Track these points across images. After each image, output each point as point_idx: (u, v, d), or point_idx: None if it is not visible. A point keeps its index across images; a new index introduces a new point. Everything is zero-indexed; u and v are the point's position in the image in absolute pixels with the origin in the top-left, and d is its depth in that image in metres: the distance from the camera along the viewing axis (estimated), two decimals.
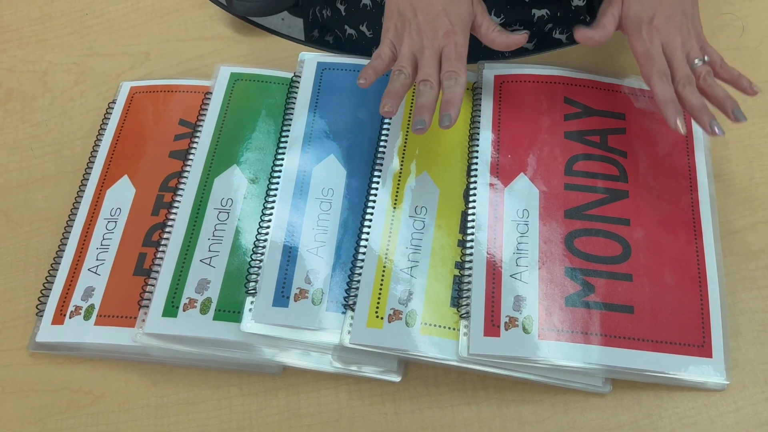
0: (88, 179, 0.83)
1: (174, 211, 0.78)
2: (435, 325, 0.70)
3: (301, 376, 0.73)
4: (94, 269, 0.77)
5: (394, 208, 0.75)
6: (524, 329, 0.69)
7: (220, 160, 0.80)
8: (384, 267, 0.72)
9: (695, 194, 0.76)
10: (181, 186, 0.79)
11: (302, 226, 0.75)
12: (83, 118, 0.91)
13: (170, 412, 0.73)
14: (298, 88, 0.84)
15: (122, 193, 0.81)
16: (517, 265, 0.72)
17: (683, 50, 0.74)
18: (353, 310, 0.70)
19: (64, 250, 0.79)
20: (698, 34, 0.76)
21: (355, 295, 0.71)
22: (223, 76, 0.86)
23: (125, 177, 0.82)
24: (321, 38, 1.05)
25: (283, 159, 0.79)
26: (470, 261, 0.72)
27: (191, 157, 0.81)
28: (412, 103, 0.82)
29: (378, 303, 0.70)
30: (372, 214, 0.75)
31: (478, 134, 0.79)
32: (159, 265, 0.74)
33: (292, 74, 0.85)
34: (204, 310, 0.72)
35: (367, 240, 0.73)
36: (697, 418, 0.69)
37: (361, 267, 0.72)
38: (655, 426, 0.69)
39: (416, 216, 0.75)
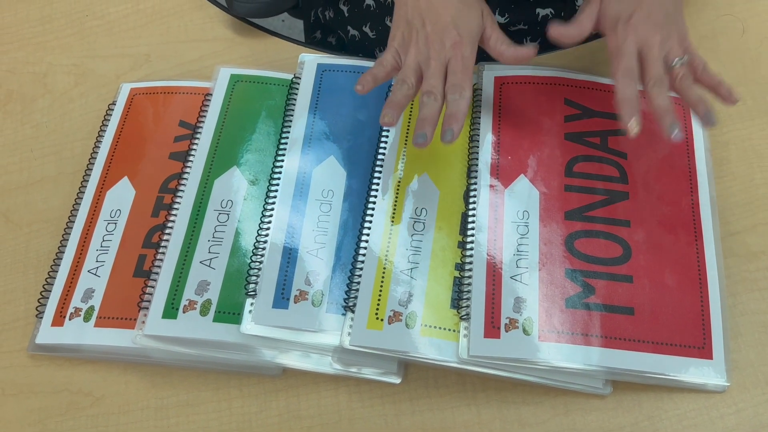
0: (88, 181, 0.83)
1: (174, 212, 0.77)
2: (435, 327, 0.70)
3: (301, 378, 0.73)
4: (93, 271, 0.77)
5: (394, 209, 0.75)
6: (524, 331, 0.69)
7: (220, 161, 0.80)
8: (384, 268, 0.72)
9: (695, 195, 0.76)
10: (181, 187, 0.79)
11: (302, 227, 0.75)
12: (83, 120, 0.91)
13: (170, 414, 0.73)
14: (298, 89, 0.84)
15: (122, 195, 0.81)
16: (517, 267, 0.72)
17: (661, 49, 0.72)
18: (353, 311, 0.70)
19: (63, 252, 0.79)
20: (681, 35, 0.74)
21: (355, 297, 0.71)
22: (223, 78, 0.86)
23: (125, 178, 0.82)
24: (323, 40, 1.05)
25: (283, 160, 0.79)
26: (470, 262, 0.72)
27: (191, 158, 0.81)
28: (411, 107, 0.82)
29: (378, 305, 0.70)
30: (372, 215, 0.75)
31: (479, 136, 0.79)
32: (159, 266, 0.74)
33: (292, 76, 0.85)
34: (204, 311, 0.72)
35: (367, 241, 0.73)
36: (698, 420, 0.69)
37: (361, 268, 0.72)
38: (655, 428, 0.69)
39: (416, 217, 0.75)
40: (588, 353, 0.68)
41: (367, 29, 0.92)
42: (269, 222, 0.75)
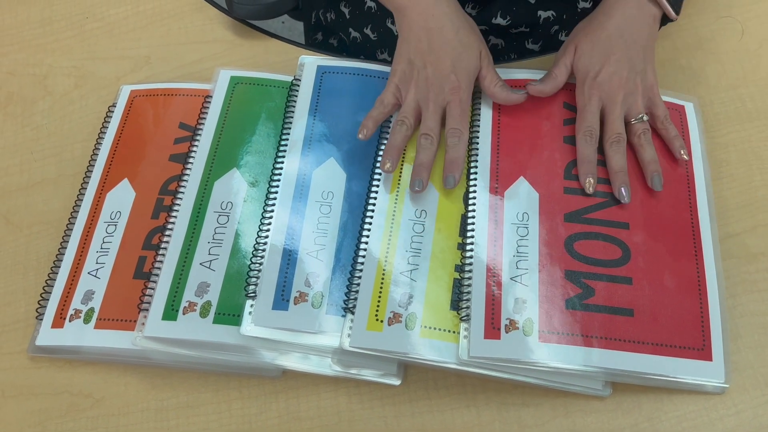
0: (88, 182, 0.83)
1: (174, 214, 0.78)
2: (435, 328, 0.70)
3: (300, 380, 0.73)
4: (94, 272, 0.77)
5: (394, 211, 0.75)
6: (524, 332, 0.69)
7: (220, 163, 0.80)
8: (384, 270, 0.72)
9: (693, 198, 0.76)
10: (181, 189, 0.79)
11: (302, 229, 0.75)
12: (83, 122, 0.91)
13: (170, 416, 0.73)
14: (298, 91, 0.84)
15: (122, 197, 0.81)
16: (517, 268, 0.72)
17: (623, 106, 0.76)
18: (353, 313, 0.70)
19: (64, 254, 0.79)
20: (647, 87, 0.77)
21: (355, 299, 0.71)
22: (223, 80, 0.86)
23: (125, 180, 0.82)
24: (324, 41, 1.06)
25: (283, 162, 0.79)
26: (470, 264, 0.72)
27: (191, 160, 0.81)
28: None
29: (378, 306, 0.70)
30: (372, 217, 0.75)
31: (478, 138, 0.79)
32: (159, 268, 0.74)
33: (292, 77, 0.85)
34: (204, 313, 0.72)
35: (366, 243, 0.73)
36: (697, 421, 0.69)
37: (361, 270, 0.72)
38: (655, 429, 0.69)
39: (416, 219, 0.75)
40: (588, 354, 0.68)
41: (368, 31, 0.92)
42: (269, 224, 0.75)
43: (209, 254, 0.75)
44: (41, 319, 0.76)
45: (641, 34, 0.77)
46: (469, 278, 0.71)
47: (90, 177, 0.83)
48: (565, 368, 0.68)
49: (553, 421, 0.70)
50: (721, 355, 0.69)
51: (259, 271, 0.73)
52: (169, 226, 0.77)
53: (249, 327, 0.70)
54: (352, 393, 0.72)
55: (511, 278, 0.71)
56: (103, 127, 0.87)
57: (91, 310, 0.74)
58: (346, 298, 0.71)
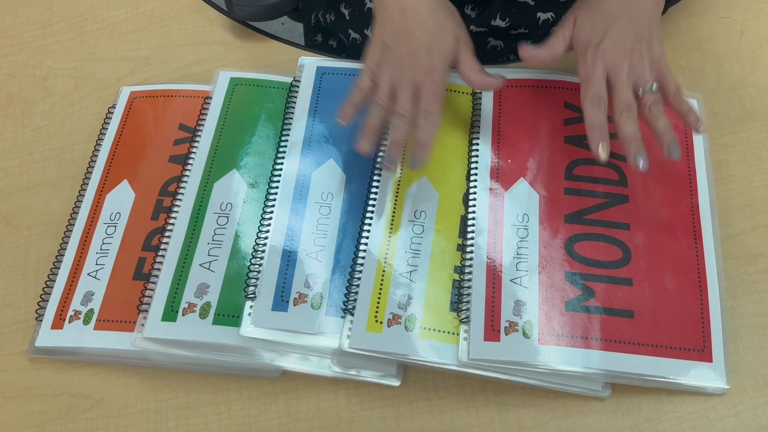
0: (87, 184, 0.83)
1: (173, 215, 0.78)
2: (434, 330, 0.70)
3: (300, 381, 0.73)
4: (93, 274, 0.77)
5: (394, 212, 0.75)
6: (524, 334, 0.69)
7: (219, 164, 0.80)
8: (383, 271, 0.72)
9: (695, 198, 0.76)
10: (181, 190, 0.79)
11: (302, 230, 0.75)
12: (83, 123, 0.91)
13: (169, 417, 0.73)
14: (297, 92, 0.84)
15: (122, 198, 0.81)
16: (517, 270, 0.72)
17: (630, 76, 0.72)
18: (352, 314, 0.70)
19: (63, 255, 0.79)
20: (654, 58, 0.73)
21: (355, 300, 0.71)
22: (222, 81, 0.86)
23: (125, 182, 0.82)
24: (324, 42, 1.05)
25: (282, 163, 0.79)
26: (470, 265, 0.72)
27: (191, 161, 0.81)
28: None
29: (377, 307, 0.70)
30: (371, 218, 0.75)
31: (478, 139, 0.79)
32: (158, 269, 0.74)
33: (292, 79, 0.86)
34: (203, 314, 0.72)
35: (366, 244, 0.73)
36: (697, 422, 0.69)
37: (361, 271, 0.72)
38: (654, 430, 0.69)
39: (416, 220, 0.75)
40: (588, 356, 0.68)
41: (368, 32, 0.92)
42: (269, 225, 0.75)
43: (209, 255, 0.75)
44: (41, 320, 0.76)
45: (645, 4, 0.74)
46: (469, 280, 0.71)
47: (90, 178, 0.83)
48: (565, 370, 0.68)
49: (553, 422, 0.70)
50: (722, 357, 0.69)
51: (259, 272, 0.73)
52: (169, 227, 0.77)
53: (248, 328, 0.70)
54: (351, 394, 0.72)
55: (511, 280, 0.71)
56: (103, 128, 0.87)
57: (91, 311, 0.74)
58: (345, 299, 0.71)
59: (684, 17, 0.90)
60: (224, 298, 0.72)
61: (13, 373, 0.76)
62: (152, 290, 0.73)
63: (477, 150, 0.78)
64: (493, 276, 0.71)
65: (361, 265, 0.72)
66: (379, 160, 0.78)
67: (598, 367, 0.68)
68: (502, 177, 0.76)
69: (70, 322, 0.74)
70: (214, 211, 0.77)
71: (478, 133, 0.79)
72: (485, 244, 0.73)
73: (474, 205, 0.75)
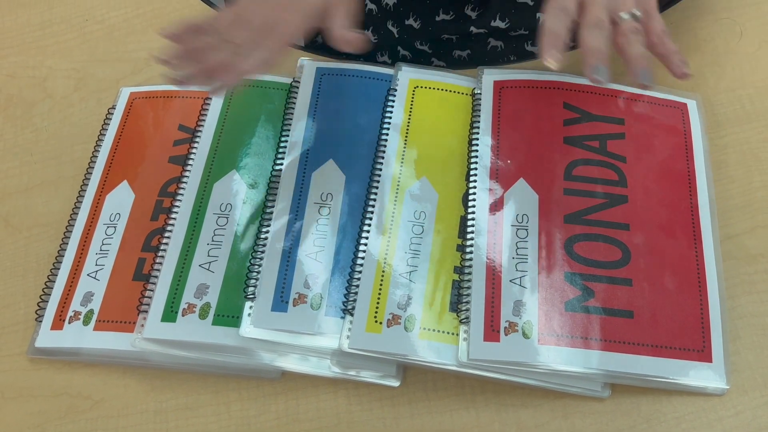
0: (87, 184, 0.83)
1: (173, 216, 0.78)
2: (434, 330, 0.70)
3: (299, 381, 0.73)
4: (93, 274, 0.77)
5: (393, 213, 0.75)
6: (524, 334, 0.69)
7: (219, 165, 0.80)
8: (383, 272, 0.72)
9: (694, 199, 0.76)
10: (181, 191, 0.79)
11: (301, 230, 0.75)
12: (83, 124, 0.91)
13: (169, 417, 0.73)
14: (297, 93, 0.84)
15: (122, 199, 0.81)
16: (516, 270, 0.72)
17: None
18: (352, 314, 0.70)
19: (63, 256, 0.79)
20: None
21: (354, 300, 0.71)
22: None
23: (125, 182, 0.82)
24: (324, 43, 1.05)
25: (282, 164, 0.79)
26: (470, 266, 0.72)
27: (190, 162, 0.81)
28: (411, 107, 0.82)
29: (377, 308, 0.70)
30: (371, 218, 0.75)
31: (478, 139, 0.79)
32: (158, 270, 0.74)
33: (292, 80, 0.86)
34: (203, 315, 0.72)
35: (366, 245, 0.73)
36: (696, 423, 0.69)
37: (360, 272, 0.72)
38: (654, 430, 0.69)
39: (415, 221, 0.75)
40: (587, 356, 0.68)
41: (369, 33, 0.92)
42: (268, 225, 0.75)
43: (208, 256, 0.75)
44: (40, 321, 0.76)
45: None
46: (469, 280, 0.71)
47: (89, 179, 0.83)
48: (565, 370, 0.68)
49: (552, 422, 0.70)
50: (721, 357, 0.69)
51: (258, 272, 0.73)
52: (169, 228, 0.77)
53: (248, 328, 0.70)
54: (351, 394, 0.72)
55: (510, 280, 0.71)
56: (103, 129, 0.87)
57: (91, 311, 0.74)
58: (345, 299, 0.71)
59: (683, 18, 0.90)
60: (224, 299, 0.72)
61: (12, 374, 0.76)
62: (152, 291, 0.73)
63: (476, 150, 0.78)
64: (493, 276, 0.71)
65: (361, 265, 0.72)
66: (378, 162, 0.78)
67: (597, 368, 0.67)
68: (502, 177, 0.77)
69: (69, 323, 0.75)
70: (214, 212, 0.77)
71: (478, 133, 0.79)
72: (485, 245, 0.73)
73: (473, 206, 0.75)
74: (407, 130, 0.80)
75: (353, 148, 0.80)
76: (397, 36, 0.89)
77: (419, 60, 0.85)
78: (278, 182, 0.78)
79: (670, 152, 0.79)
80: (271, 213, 0.76)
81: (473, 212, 0.75)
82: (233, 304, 0.72)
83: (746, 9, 0.90)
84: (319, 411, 0.72)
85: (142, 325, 0.72)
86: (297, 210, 0.76)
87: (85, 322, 0.74)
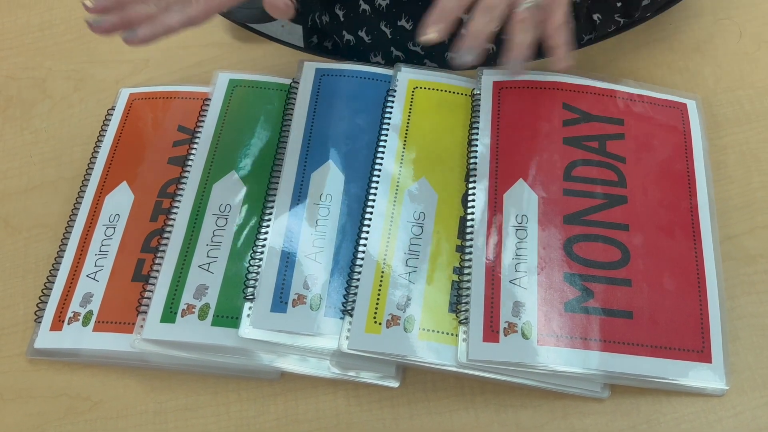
0: (87, 185, 0.83)
1: (172, 217, 0.78)
2: (433, 331, 0.70)
3: (299, 382, 0.73)
4: (92, 275, 0.77)
5: (393, 213, 0.75)
6: (523, 335, 0.68)
7: (218, 166, 0.80)
8: (382, 272, 0.72)
9: (694, 199, 0.76)
10: (180, 192, 0.79)
11: (300, 231, 0.75)
12: (82, 125, 0.91)
13: (168, 418, 0.73)
14: (296, 94, 0.84)
15: (121, 200, 0.81)
16: (516, 271, 0.72)
17: None
18: (351, 315, 0.70)
19: (62, 257, 0.79)
20: None
21: (354, 301, 0.71)
22: (221, 83, 0.86)
23: (124, 183, 0.82)
24: (320, 44, 1.06)
25: (281, 165, 0.79)
26: (469, 266, 0.72)
27: (190, 163, 0.81)
28: (411, 106, 0.82)
29: (376, 308, 0.70)
30: (370, 219, 0.75)
31: (477, 140, 0.79)
32: (157, 271, 0.74)
33: (291, 80, 0.86)
34: (202, 315, 0.72)
35: (365, 245, 0.73)
36: (696, 423, 0.69)
37: (360, 272, 0.72)
38: (654, 431, 0.69)
39: (414, 221, 0.75)
40: (587, 357, 0.68)
41: (362, 34, 0.92)
42: (267, 226, 0.75)
43: (208, 257, 0.75)
44: (40, 322, 0.76)
45: None
46: (468, 281, 0.71)
47: (89, 180, 0.83)
48: (564, 371, 0.68)
49: (552, 423, 0.70)
50: (721, 358, 0.69)
51: (258, 273, 0.73)
52: (168, 229, 0.77)
53: (247, 329, 0.70)
54: (350, 395, 0.72)
55: (509, 281, 0.71)
56: (102, 130, 0.87)
57: (90, 312, 0.74)
58: (344, 300, 0.71)
59: (682, 18, 0.90)
60: (223, 300, 0.72)
61: (11, 375, 0.76)
62: (151, 292, 0.73)
63: (476, 151, 0.78)
64: (492, 277, 0.71)
65: (360, 266, 0.72)
66: (378, 162, 0.78)
67: (597, 368, 0.67)
68: (501, 178, 0.76)
69: (69, 324, 0.74)
70: (213, 213, 0.77)
71: (477, 133, 0.79)
72: (484, 245, 0.73)
73: (473, 206, 0.75)
74: (406, 130, 0.80)
75: (352, 149, 0.80)
76: (390, 37, 0.90)
77: (412, 61, 0.85)
78: (277, 183, 0.78)
79: (669, 153, 0.79)
80: (271, 214, 0.76)
81: (473, 213, 0.75)
82: (232, 304, 0.72)
83: (746, 9, 0.90)
84: (318, 412, 0.72)
85: (142, 326, 0.72)
86: (296, 211, 0.76)
87: (85, 323, 0.74)
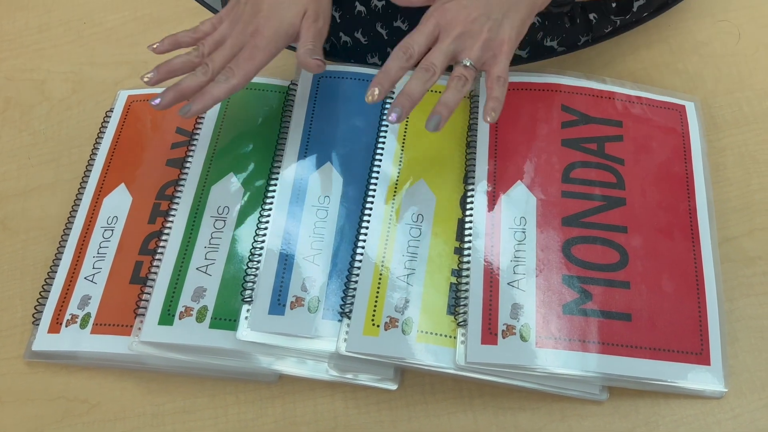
0: (85, 187, 0.83)
1: (170, 219, 0.77)
2: (431, 333, 0.70)
3: (297, 384, 0.73)
4: (90, 277, 0.77)
5: (391, 215, 0.75)
6: (522, 337, 0.68)
7: (216, 168, 0.80)
8: (380, 275, 0.72)
9: (693, 201, 0.76)
10: (178, 194, 0.79)
11: (299, 233, 0.75)
12: (81, 127, 0.91)
13: (166, 421, 0.73)
14: (294, 96, 0.84)
15: (119, 202, 0.81)
16: (514, 273, 0.71)
17: (455, 43, 0.69)
18: (349, 317, 0.70)
19: (60, 259, 0.79)
20: (496, 40, 0.70)
21: (352, 303, 0.70)
22: None
23: (122, 185, 0.82)
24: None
25: (279, 167, 0.79)
26: (467, 269, 0.72)
27: (188, 165, 0.81)
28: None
29: (374, 311, 0.70)
30: (368, 221, 0.75)
31: (475, 142, 0.79)
32: (155, 273, 0.74)
33: (289, 82, 0.86)
34: (200, 318, 0.72)
35: (363, 248, 0.73)
36: (695, 426, 0.68)
37: (358, 275, 0.72)
38: None
39: (413, 223, 0.75)
40: (585, 359, 0.68)
41: (359, 35, 0.92)
42: (266, 228, 0.75)
43: (206, 259, 0.75)
44: (38, 325, 0.76)
45: None
46: (467, 283, 0.71)
47: (87, 182, 0.83)
48: (563, 373, 0.67)
49: (550, 425, 0.69)
50: (720, 360, 0.69)
51: (256, 275, 0.73)
52: (166, 231, 0.77)
53: (245, 332, 0.70)
54: (348, 398, 0.72)
55: (508, 283, 0.71)
56: (101, 132, 0.87)
57: (88, 315, 0.74)
58: (342, 302, 0.71)
59: (681, 20, 0.90)
60: (221, 302, 0.72)
61: (9, 378, 0.76)
62: (149, 294, 0.73)
63: (474, 153, 0.78)
64: (491, 279, 0.71)
65: (358, 268, 0.72)
66: (376, 164, 0.78)
67: (595, 371, 0.67)
68: (500, 180, 0.76)
69: (66, 326, 0.74)
70: (211, 215, 0.77)
71: (476, 136, 0.79)
72: (482, 248, 0.73)
73: (471, 208, 0.75)
74: (405, 132, 0.80)
75: (351, 151, 0.80)
76: (386, 38, 0.90)
77: None
78: (276, 185, 0.78)
79: (668, 155, 0.79)
80: (269, 216, 0.76)
81: (471, 215, 0.74)
82: (230, 307, 0.72)
83: (744, 12, 0.90)
84: (316, 414, 0.72)
85: (139, 329, 0.72)
86: (294, 213, 0.76)
87: (82, 326, 0.74)
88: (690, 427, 0.68)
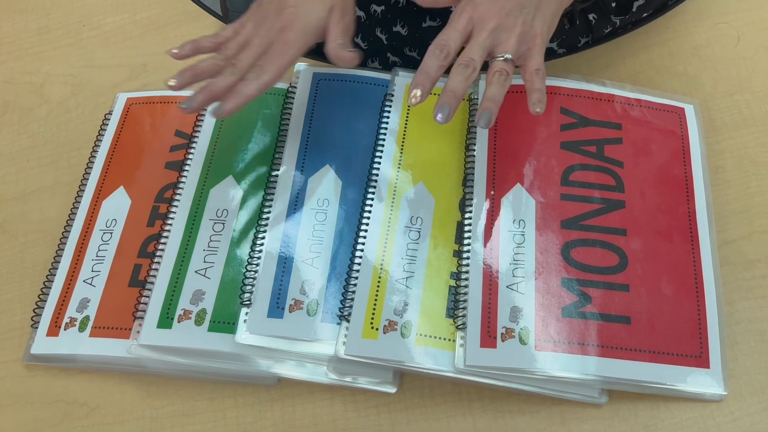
0: (84, 190, 0.83)
1: (169, 222, 0.77)
2: (431, 336, 0.69)
3: (296, 388, 0.73)
4: (89, 281, 0.77)
5: (390, 218, 0.75)
6: (521, 340, 0.68)
7: (215, 170, 0.80)
8: (379, 278, 0.72)
9: (692, 204, 0.76)
10: (177, 197, 0.79)
11: (297, 236, 0.75)
12: (80, 130, 0.91)
13: (165, 424, 0.73)
14: (293, 98, 0.84)
15: (118, 204, 0.81)
16: (513, 276, 0.71)
17: (490, 37, 0.69)
18: (348, 321, 0.70)
19: (59, 262, 0.79)
20: (530, 33, 0.70)
21: (351, 306, 0.70)
22: None
23: (121, 188, 0.82)
24: (316, 49, 1.05)
25: (278, 169, 0.79)
26: (466, 272, 0.72)
27: (187, 168, 0.81)
28: (408, 111, 0.82)
29: (373, 314, 0.70)
30: (367, 224, 0.75)
31: (474, 144, 0.79)
32: (154, 276, 0.74)
33: (288, 85, 0.86)
34: (199, 321, 0.72)
35: (362, 250, 0.73)
36: (694, 429, 0.68)
37: (357, 278, 0.72)
38: None
39: (412, 226, 0.75)
40: (585, 362, 0.68)
41: (358, 40, 0.92)
42: (264, 231, 0.75)
43: (204, 262, 0.75)
44: (36, 328, 0.76)
45: None
46: (465, 286, 0.71)
47: (86, 185, 0.83)
48: (562, 376, 0.67)
49: (550, 428, 0.69)
50: (719, 363, 0.69)
51: (254, 278, 0.73)
52: (165, 234, 0.77)
53: (244, 335, 0.70)
54: (347, 401, 0.72)
55: (507, 286, 0.71)
56: (100, 134, 0.87)
57: (87, 318, 0.74)
58: (341, 305, 0.71)
59: (680, 23, 0.90)
60: (220, 305, 0.72)
61: (8, 381, 0.76)
62: (148, 297, 0.73)
63: (473, 156, 0.78)
64: (490, 282, 0.71)
65: (357, 271, 0.72)
66: (375, 167, 0.78)
67: (595, 374, 0.67)
68: (499, 183, 0.76)
69: (65, 329, 0.74)
70: (210, 218, 0.77)
71: (475, 138, 0.79)
72: (481, 250, 0.73)
73: (470, 211, 0.75)
74: (404, 135, 0.80)
75: (350, 154, 0.80)
76: (385, 42, 0.90)
77: (409, 66, 0.86)
78: (275, 188, 0.78)
79: (667, 157, 0.79)
80: (268, 219, 0.76)
81: (470, 218, 0.74)
82: (229, 310, 0.72)
83: (743, 14, 0.90)
84: (315, 417, 0.72)
85: (138, 332, 0.71)
86: (293, 216, 0.76)
87: (81, 329, 0.74)
88: (689, 431, 0.68)
